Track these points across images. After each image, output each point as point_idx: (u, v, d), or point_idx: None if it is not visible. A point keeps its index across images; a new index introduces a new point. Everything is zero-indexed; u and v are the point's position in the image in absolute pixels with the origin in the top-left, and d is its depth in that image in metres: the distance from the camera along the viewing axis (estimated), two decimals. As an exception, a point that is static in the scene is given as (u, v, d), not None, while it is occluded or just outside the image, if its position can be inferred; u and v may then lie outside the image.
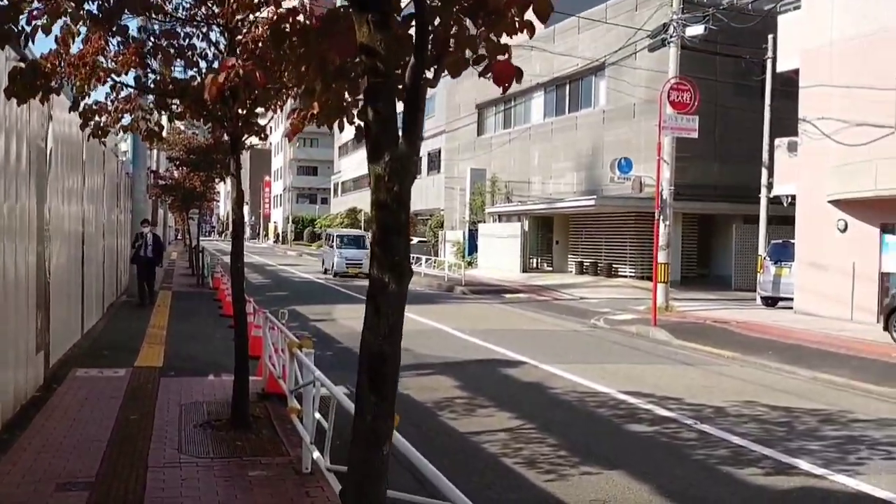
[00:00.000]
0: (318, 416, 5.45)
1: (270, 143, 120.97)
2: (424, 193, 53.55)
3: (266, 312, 8.98)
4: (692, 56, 22.23)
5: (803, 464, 7.20)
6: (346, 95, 3.71)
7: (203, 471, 6.07)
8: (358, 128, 3.30)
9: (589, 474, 6.74)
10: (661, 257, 19.85)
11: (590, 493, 6.26)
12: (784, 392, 10.70)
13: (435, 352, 13.12)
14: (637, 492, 6.35)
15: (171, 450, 6.57)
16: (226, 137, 7.83)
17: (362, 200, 67.63)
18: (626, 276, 29.56)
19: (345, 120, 3.95)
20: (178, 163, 25.22)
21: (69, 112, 6.96)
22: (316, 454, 5.37)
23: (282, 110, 7.92)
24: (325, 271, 35.18)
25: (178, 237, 72.53)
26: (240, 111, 7.04)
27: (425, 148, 53.18)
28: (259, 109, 7.68)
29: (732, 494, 6.42)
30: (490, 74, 3.12)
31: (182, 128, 29.93)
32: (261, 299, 19.59)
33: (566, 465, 7.01)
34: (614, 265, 30.13)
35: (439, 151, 50.70)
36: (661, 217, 19.79)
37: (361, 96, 3.24)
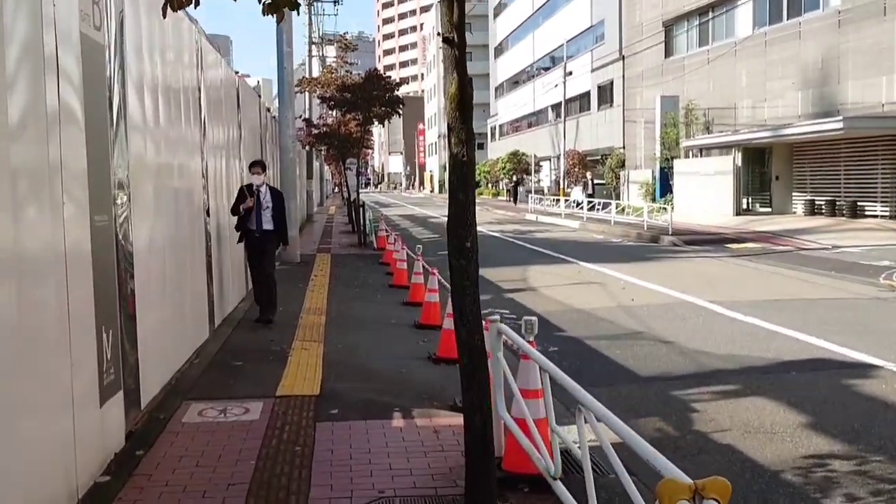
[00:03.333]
0: None
1: (422, 90, 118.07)
2: (595, 131, 48.44)
3: (505, 328, 4.84)
4: None
5: None
6: None
7: None
8: None
9: None
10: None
11: None
12: None
13: (710, 346, 8.75)
14: None
15: None
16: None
17: (521, 143, 63.21)
18: (875, 216, 23.69)
19: None
20: (331, 103, 21.76)
21: None
22: None
23: None
24: None
25: (336, 190, 71.15)
26: None
27: (594, 80, 47.94)
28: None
29: None
30: None
31: (334, 66, 26.72)
32: (434, 260, 16.14)
33: None
34: (859, 203, 24.24)
35: (611, 83, 45.27)
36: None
37: None
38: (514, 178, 54.51)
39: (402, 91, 22.53)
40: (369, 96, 20.83)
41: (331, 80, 23.55)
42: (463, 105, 3.02)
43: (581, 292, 13.05)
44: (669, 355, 8.36)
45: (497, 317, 4.72)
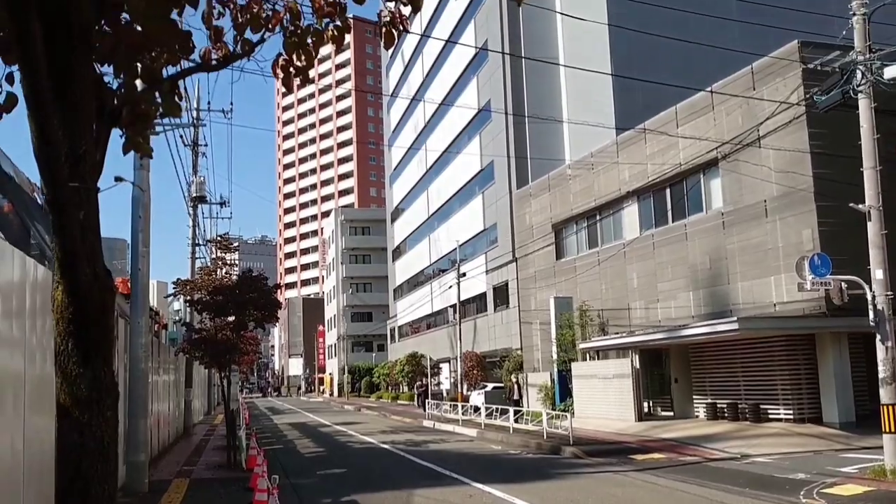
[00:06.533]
0: None
1: (323, 292, 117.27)
2: (493, 332, 47.74)
3: None
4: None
5: None
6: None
7: None
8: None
9: None
10: (887, 395, 13.52)
11: None
12: None
13: None
14: None
15: None
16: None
17: (421, 344, 62.10)
18: (779, 420, 22.80)
19: None
20: (198, 307, 20.01)
21: None
22: None
23: None
24: None
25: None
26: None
27: (489, 281, 47.83)
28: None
29: None
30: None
31: (211, 266, 25.14)
32: (310, 483, 13.97)
33: None
34: (762, 406, 23.38)
35: (506, 284, 45.17)
36: (879, 337, 13.65)
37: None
38: (424, 382, 50.49)
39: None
40: (242, 299, 19.28)
41: (207, 283, 21.97)
42: (90, 327, 1.31)
43: (469, 527, 11.09)
44: None
45: None
